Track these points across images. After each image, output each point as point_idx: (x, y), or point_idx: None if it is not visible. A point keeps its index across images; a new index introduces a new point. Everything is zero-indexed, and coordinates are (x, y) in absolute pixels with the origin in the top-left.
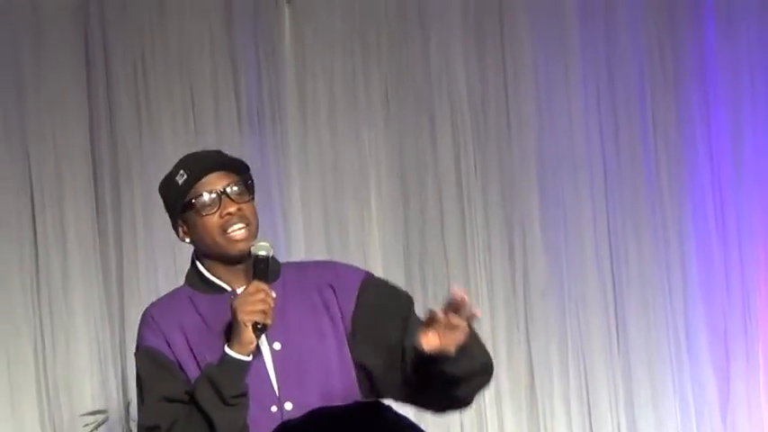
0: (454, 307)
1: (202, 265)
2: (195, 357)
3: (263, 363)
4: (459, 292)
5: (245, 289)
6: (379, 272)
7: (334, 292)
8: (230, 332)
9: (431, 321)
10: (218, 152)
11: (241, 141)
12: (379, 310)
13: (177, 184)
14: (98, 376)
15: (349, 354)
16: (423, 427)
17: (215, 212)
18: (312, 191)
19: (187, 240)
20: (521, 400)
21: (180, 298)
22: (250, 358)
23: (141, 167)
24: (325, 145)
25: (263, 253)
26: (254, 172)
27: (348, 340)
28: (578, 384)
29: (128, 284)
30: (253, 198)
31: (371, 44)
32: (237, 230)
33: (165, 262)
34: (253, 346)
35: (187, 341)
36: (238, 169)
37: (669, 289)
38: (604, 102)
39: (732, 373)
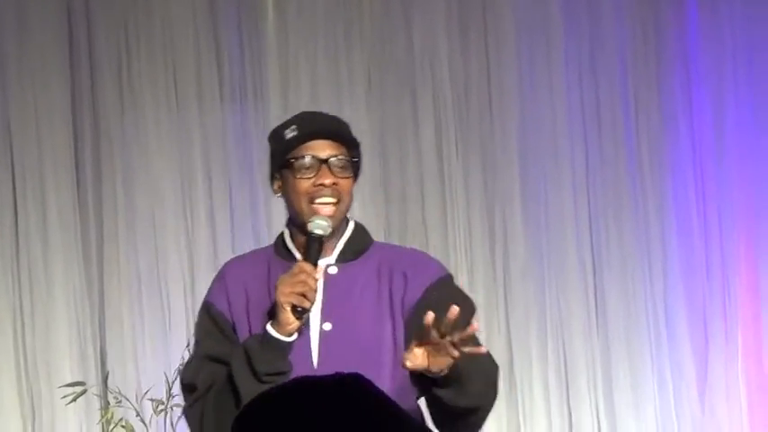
0: (447, 327)
1: (288, 230)
2: (249, 322)
3: (308, 342)
4: (454, 311)
5: (291, 269)
6: None
7: (406, 280)
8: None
9: (421, 337)
10: (336, 119)
11: (223, 117)
12: (439, 309)
13: (284, 137)
14: (77, 351)
15: (403, 345)
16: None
17: (309, 178)
18: None
19: (278, 195)
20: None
21: (260, 259)
22: (290, 339)
23: (123, 145)
24: None
25: (318, 231)
26: (235, 148)
27: (405, 330)
28: (557, 367)
29: (107, 259)
30: (354, 177)
31: (354, 21)
32: (324, 204)
33: (145, 239)
34: (292, 328)
35: (247, 304)
36: (348, 143)
37: (649, 271)
38: (586, 82)
39: (711, 355)
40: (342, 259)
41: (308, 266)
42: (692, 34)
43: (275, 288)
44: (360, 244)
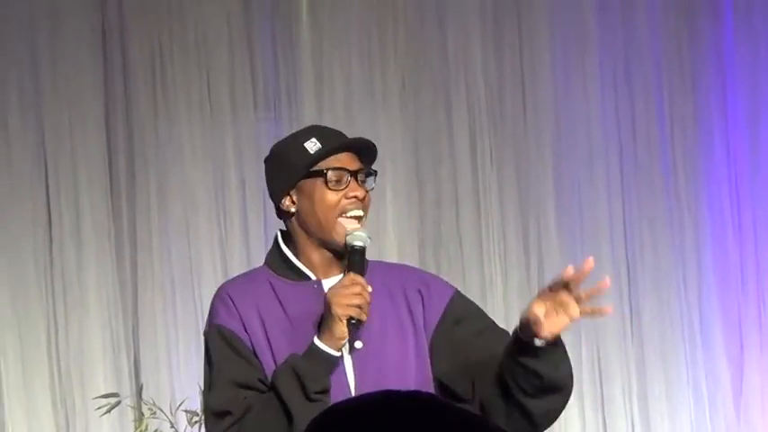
0: (570, 283)
1: (288, 248)
2: (270, 345)
3: (342, 360)
4: (590, 264)
5: (339, 280)
6: (393, 260)
7: (422, 300)
8: (321, 324)
9: (547, 293)
10: (360, 137)
11: (257, 127)
12: (465, 319)
13: (306, 150)
14: (111, 360)
15: (429, 364)
16: None
17: (340, 190)
18: None
19: (292, 210)
20: None
21: (258, 280)
22: (339, 354)
23: (156, 153)
24: None
25: (359, 243)
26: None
27: (429, 351)
28: (592, 376)
29: (141, 269)
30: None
31: (388, 31)
32: (353, 218)
33: (178, 247)
34: (344, 342)
35: (264, 327)
36: (369, 157)
37: (684, 280)
38: (621, 93)
39: (746, 364)
40: (360, 275)
41: (360, 279)
42: (727, 45)
43: (326, 301)
44: (365, 260)
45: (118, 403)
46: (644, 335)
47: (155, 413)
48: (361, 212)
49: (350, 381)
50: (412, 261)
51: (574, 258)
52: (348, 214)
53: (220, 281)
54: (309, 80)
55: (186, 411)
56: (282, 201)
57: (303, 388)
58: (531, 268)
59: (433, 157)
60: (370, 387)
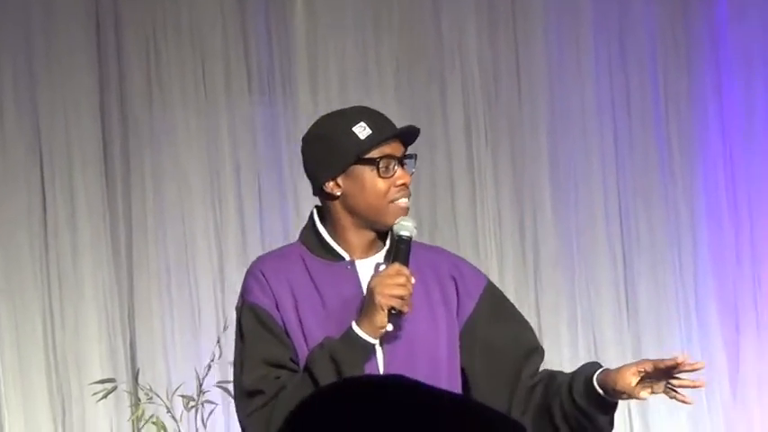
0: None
1: (324, 227)
2: (302, 324)
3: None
4: (701, 365)
5: (385, 269)
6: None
7: (456, 287)
8: (361, 310)
9: (648, 367)
10: (390, 120)
11: (251, 110)
12: (498, 330)
13: (356, 134)
14: (106, 345)
15: (459, 353)
16: None
17: (389, 177)
18: None
19: (336, 193)
20: None
21: (292, 256)
22: (377, 342)
23: (151, 136)
24: None
25: (406, 233)
26: (263, 140)
27: (459, 340)
28: (588, 358)
29: (136, 252)
30: None
31: (382, 13)
32: (404, 203)
33: (173, 230)
34: (383, 331)
35: (296, 305)
36: (409, 144)
37: (679, 261)
38: (616, 69)
39: (742, 346)
40: (389, 257)
41: (406, 270)
42: (720, 20)
43: (369, 289)
44: (410, 250)
45: (114, 389)
46: (639, 316)
47: (151, 398)
48: (407, 199)
49: (378, 363)
50: None
51: (569, 237)
52: (397, 201)
53: (216, 264)
54: (304, 63)
55: (183, 396)
56: (327, 183)
57: (339, 373)
58: (527, 247)
59: (428, 138)
60: (399, 369)
